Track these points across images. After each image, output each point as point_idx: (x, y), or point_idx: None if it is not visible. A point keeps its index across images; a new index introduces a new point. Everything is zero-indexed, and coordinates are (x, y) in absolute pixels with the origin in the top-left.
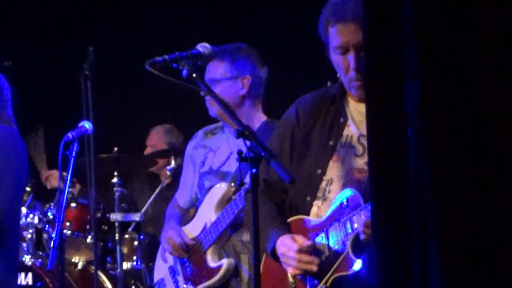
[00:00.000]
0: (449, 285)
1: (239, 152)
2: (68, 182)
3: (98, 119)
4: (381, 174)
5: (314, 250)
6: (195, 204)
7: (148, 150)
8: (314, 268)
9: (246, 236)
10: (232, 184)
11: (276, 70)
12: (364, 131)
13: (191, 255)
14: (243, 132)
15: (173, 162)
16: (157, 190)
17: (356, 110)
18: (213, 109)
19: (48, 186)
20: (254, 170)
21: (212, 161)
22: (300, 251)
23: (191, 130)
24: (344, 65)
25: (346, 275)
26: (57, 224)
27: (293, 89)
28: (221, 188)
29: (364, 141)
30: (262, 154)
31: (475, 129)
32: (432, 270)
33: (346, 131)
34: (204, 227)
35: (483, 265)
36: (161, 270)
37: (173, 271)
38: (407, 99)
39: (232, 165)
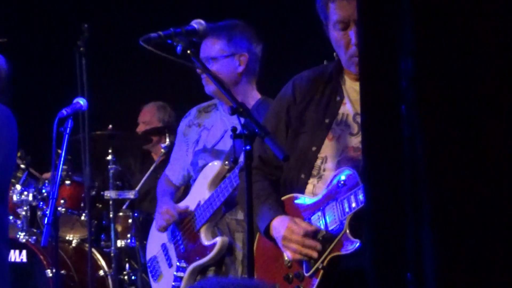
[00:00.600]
0: (443, 259)
1: (233, 129)
2: (62, 159)
3: (93, 96)
4: (374, 148)
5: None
6: (187, 182)
7: (141, 127)
8: (315, 254)
9: (240, 215)
10: (226, 162)
11: (270, 47)
12: (360, 110)
13: (184, 232)
14: (237, 109)
15: (167, 140)
16: (151, 168)
17: (352, 89)
18: (210, 86)
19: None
20: (248, 147)
21: (206, 139)
22: (306, 235)
23: (183, 107)
24: (344, 40)
25: (343, 255)
26: (51, 201)
27: (286, 67)
28: (214, 166)
29: (360, 119)
30: (256, 131)
31: (469, 103)
32: (425, 243)
33: (342, 109)
34: (198, 205)
35: (477, 238)
36: (153, 248)
37: (165, 249)
38: (401, 75)
39: (227, 143)
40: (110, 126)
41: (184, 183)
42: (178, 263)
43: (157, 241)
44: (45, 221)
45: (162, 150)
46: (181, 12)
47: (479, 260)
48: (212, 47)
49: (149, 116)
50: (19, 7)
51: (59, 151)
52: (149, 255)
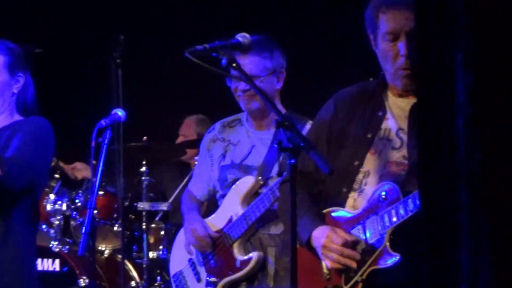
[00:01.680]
0: (500, 277)
1: (279, 142)
2: (100, 169)
3: (128, 107)
4: (429, 163)
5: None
6: (211, 197)
7: (180, 139)
8: (354, 264)
9: (273, 229)
10: (260, 177)
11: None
12: (402, 125)
13: (215, 248)
14: (282, 122)
15: None
16: (185, 180)
17: (395, 105)
18: (254, 103)
19: (79, 177)
20: (293, 161)
21: (233, 155)
22: (345, 244)
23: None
24: (393, 52)
25: (383, 268)
26: (88, 210)
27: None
28: (248, 181)
29: (403, 134)
30: (302, 144)
31: None
32: (482, 262)
33: (384, 125)
34: (230, 220)
35: None
36: (178, 262)
37: (193, 264)
38: (459, 89)
39: (255, 158)
40: (145, 138)
41: (208, 198)
42: (208, 278)
43: (183, 256)
44: (83, 230)
45: (196, 163)
46: (216, 25)
47: None
48: (256, 65)
49: (187, 129)
50: (56, 17)
51: (94, 162)
52: (174, 270)
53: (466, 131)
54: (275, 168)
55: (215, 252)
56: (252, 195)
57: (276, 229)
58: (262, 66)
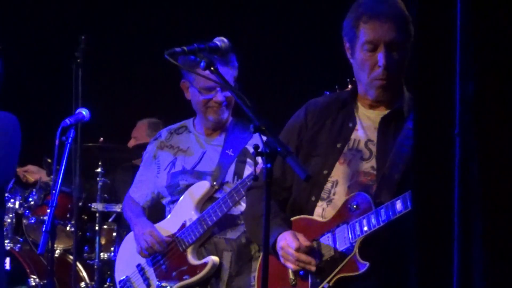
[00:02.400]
0: (493, 278)
1: (255, 147)
2: (63, 167)
3: (88, 107)
4: (424, 168)
5: (317, 249)
6: (153, 203)
7: (131, 142)
8: (312, 268)
9: (230, 234)
10: (215, 182)
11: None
12: (372, 137)
13: (167, 253)
14: (260, 127)
15: None
16: None
17: (365, 116)
18: (225, 113)
19: (31, 180)
20: (269, 165)
21: (184, 161)
22: (298, 250)
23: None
24: (371, 62)
25: (351, 276)
26: (50, 208)
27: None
28: (202, 186)
29: (372, 146)
30: (279, 149)
31: None
32: (475, 262)
33: (354, 136)
34: (183, 225)
35: None
36: (125, 268)
37: (142, 270)
38: (457, 99)
39: (207, 164)
40: (102, 139)
41: (150, 204)
42: (159, 283)
43: (130, 262)
44: (43, 229)
45: None
46: (178, 27)
47: None
48: (229, 76)
49: (139, 132)
50: (18, 17)
51: (49, 160)
52: (120, 275)
53: (462, 139)
54: (230, 173)
55: (167, 257)
56: (206, 200)
57: (233, 233)
58: (231, 77)
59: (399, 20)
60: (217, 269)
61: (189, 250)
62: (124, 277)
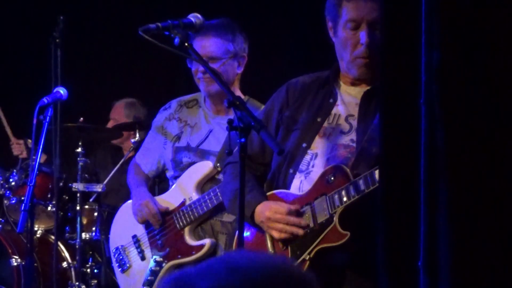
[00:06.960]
0: (458, 247)
1: (229, 121)
2: (41, 146)
3: (66, 87)
4: (391, 139)
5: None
6: (159, 174)
7: (110, 123)
8: (301, 232)
9: (226, 217)
10: (218, 164)
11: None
12: (352, 112)
13: (164, 228)
14: (234, 101)
15: (137, 135)
16: (120, 162)
17: (346, 93)
18: (213, 86)
19: (14, 154)
20: (243, 140)
21: (189, 137)
22: (289, 213)
23: (158, 104)
24: (353, 40)
25: (332, 246)
26: (28, 187)
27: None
28: (205, 167)
29: (352, 120)
30: (252, 124)
31: (492, 98)
32: (440, 232)
33: (335, 110)
34: (183, 203)
35: (493, 228)
36: (120, 237)
37: (137, 241)
38: (422, 68)
39: (212, 144)
40: (81, 119)
41: (155, 174)
42: (154, 257)
43: (126, 231)
44: (22, 207)
45: (132, 146)
46: (158, 6)
47: (494, 250)
48: (218, 47)
49: (117, 113)
50: None
51: (29, 140)
52: (114, 244)
53: (428, 108)
54: None
55: (164, 233)
56: (207, 181)
57: (229, 216)
58: (224, 49)
59: None
60: (213, 251)
61: (186, 230)
62: (118, 245)
